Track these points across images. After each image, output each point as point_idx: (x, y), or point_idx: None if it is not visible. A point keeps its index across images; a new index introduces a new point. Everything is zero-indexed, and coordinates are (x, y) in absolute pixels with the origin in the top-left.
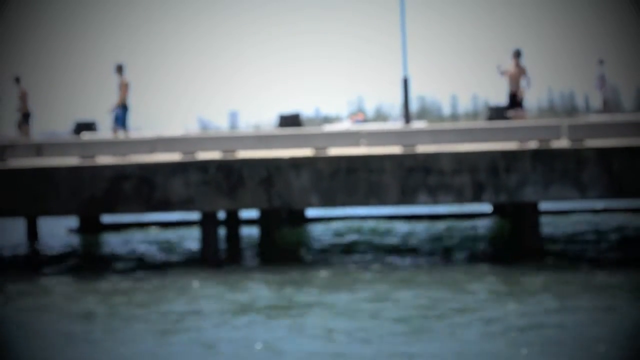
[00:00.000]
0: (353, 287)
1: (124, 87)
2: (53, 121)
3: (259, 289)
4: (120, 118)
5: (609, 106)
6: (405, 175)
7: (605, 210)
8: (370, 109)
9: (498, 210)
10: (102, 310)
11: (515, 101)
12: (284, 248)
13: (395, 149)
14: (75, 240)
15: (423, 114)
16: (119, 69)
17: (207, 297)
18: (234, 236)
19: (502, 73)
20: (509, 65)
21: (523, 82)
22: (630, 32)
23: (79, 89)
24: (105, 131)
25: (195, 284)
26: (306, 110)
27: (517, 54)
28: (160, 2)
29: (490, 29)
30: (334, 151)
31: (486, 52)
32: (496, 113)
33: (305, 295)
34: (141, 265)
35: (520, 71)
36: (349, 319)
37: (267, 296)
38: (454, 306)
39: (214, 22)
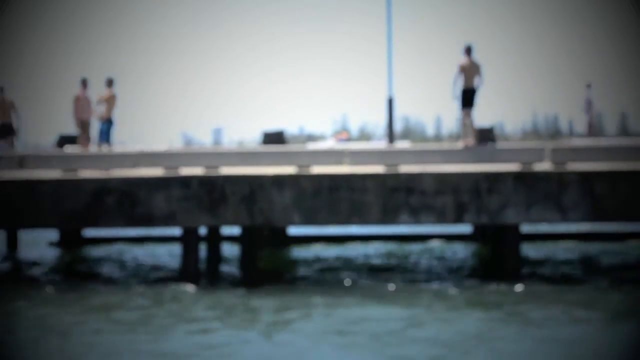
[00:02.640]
0: (323, 311)
1: (111, 100)
2: (37, 133)
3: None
4: (105, 132)
5: (593, 130)
6: (388, 194)
7: (587, 235)
8: (354, 128)
9: (479, 231)
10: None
11: (468, 99)
12: (266, 266)
13: (378, 169)
14: (55, 253)
15: (407, 134)
16: (109, 83)
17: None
18: (214, 253)
19: (460, 72)
20: (463, 61)
21: (477, 80)
22: (615, 57)
23: (63, 102)
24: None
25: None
26: (290, 128)
27: (469, 50)
28: (146, 19)
29: (476, 52)
30: (317, 169)
31: None
32: (480, 134)
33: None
34: (117, 281)
35: (475, 67)
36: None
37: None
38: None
39: (199, 37)
